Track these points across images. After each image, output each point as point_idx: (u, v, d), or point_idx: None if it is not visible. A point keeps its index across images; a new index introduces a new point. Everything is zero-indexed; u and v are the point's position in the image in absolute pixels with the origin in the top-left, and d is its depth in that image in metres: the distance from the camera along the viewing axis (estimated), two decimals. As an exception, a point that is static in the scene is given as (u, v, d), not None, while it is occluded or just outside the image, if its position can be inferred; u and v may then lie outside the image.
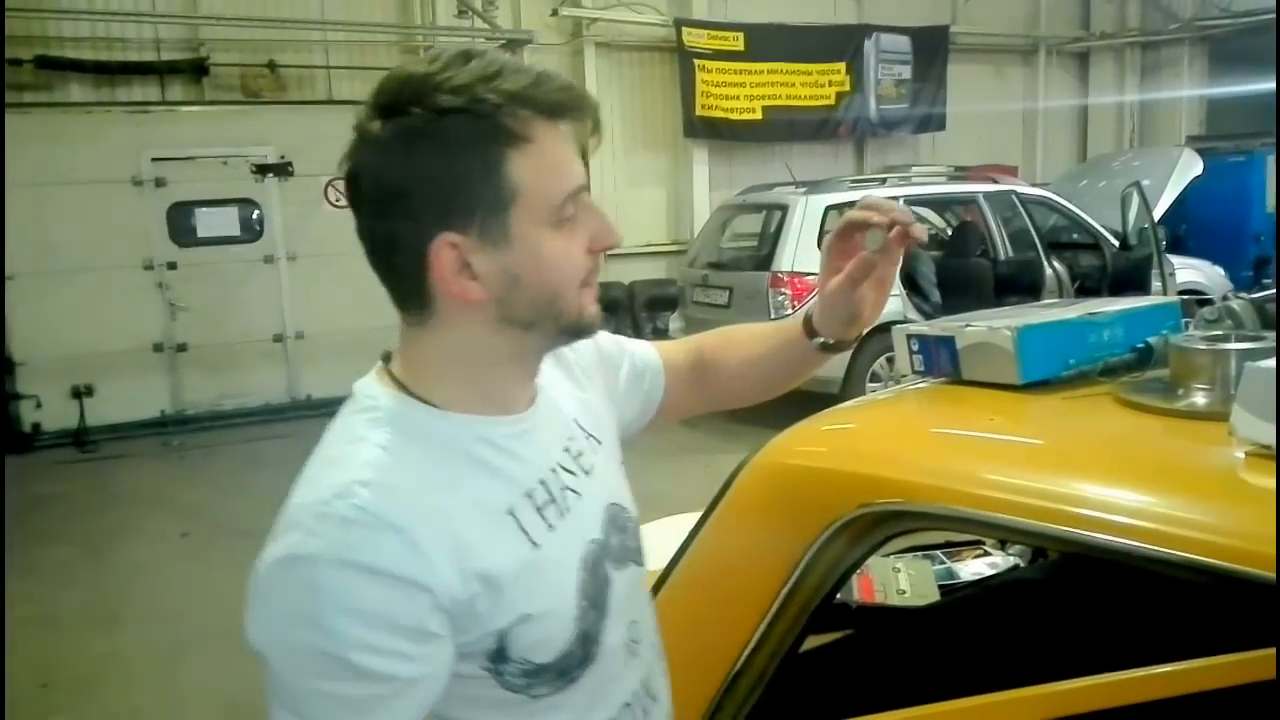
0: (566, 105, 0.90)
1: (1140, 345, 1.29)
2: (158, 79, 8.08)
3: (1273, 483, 0.99)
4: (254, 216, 8.20)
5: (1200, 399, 1.19)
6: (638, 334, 8.56)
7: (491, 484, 0.92)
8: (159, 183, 7.90)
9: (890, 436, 1.35)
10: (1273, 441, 0.99)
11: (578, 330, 0.98)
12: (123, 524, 5.60)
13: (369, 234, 0.91)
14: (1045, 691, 0.76)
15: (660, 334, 8.33)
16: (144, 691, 3.76)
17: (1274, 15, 6.73)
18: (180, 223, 8.03)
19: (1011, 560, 2.06)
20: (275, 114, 8.17)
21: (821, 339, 1.23)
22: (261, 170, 8.11)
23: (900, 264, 1.17)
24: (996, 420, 1.29)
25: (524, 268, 0.90)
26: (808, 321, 1.24)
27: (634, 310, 8.89)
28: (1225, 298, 1.34)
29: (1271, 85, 7.14)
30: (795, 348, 1.26)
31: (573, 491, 0.99)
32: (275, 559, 0.83)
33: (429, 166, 0.86)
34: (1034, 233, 7.58)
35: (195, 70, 8.11)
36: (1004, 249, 7.79)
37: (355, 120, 0.90)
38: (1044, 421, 1.27)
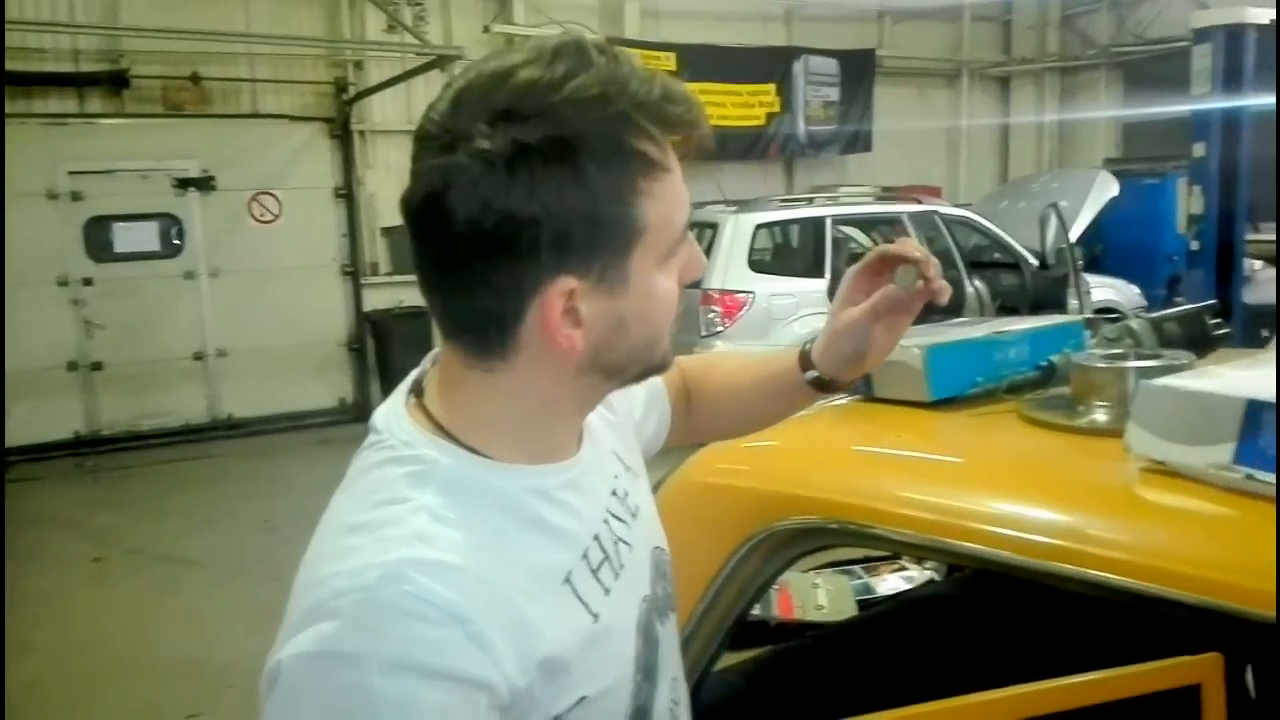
0: (694, 123, 0.77)
1: (1043, 364, 1.32)
2: (76, 91, 7.86)
3: (1169, 497, 1.02)
4: (175, 231, 7.99)
5: (1100, 416, 1.22)
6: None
7: (549, 547, 0.79)
8: (75, 196, 7.66)
9: (803, 454, 1.36)
10: (1166, 457, 1.01)
11: (662, 368, 0.86)
12: (33, 550, 5.39)
13: (451, 267, 0.75)
14: (955, 705, 0.77)
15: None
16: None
17: (1182, 45, 7.01)
18: (97, 238, 7.78)
19: (927, 575, 2.08)
20: (198, 127, 7.99)
21: (816, 374, 1.07)
22: (183, 184, 7.91)
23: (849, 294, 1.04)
24: (905, 437, 1.31)
25: (634, 312, 0.78)
26: (804, 355, 1.09)
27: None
28: (1125, 317, 1.38)
29: (1183, 109, 7.41)
30: (784, 381, 1.11)
31: (625, 543, 0.87)
32: (309, 654, 0.68)
33: (559, 195, 0.71)
34: (956, 252, 7.75)
35: (115, 82, 7.90)
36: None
37: (438, 124, 0.73)
38: (951, 439, 1.30)
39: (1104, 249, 10.01)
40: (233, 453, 7.55)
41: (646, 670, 0.85)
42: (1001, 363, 1.37)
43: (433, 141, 0.73)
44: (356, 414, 8.26)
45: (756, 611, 1.93)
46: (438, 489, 0.75)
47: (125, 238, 7.87)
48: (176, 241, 8.01)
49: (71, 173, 7.63)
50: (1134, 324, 1.32)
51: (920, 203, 8.16)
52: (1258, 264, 8.08)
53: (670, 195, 0.77)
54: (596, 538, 0.83)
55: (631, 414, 1.06)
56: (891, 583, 2.08)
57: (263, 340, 8.01)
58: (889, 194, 8.58)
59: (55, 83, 7.76)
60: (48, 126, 7.65)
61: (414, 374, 0.87)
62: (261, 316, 8.02)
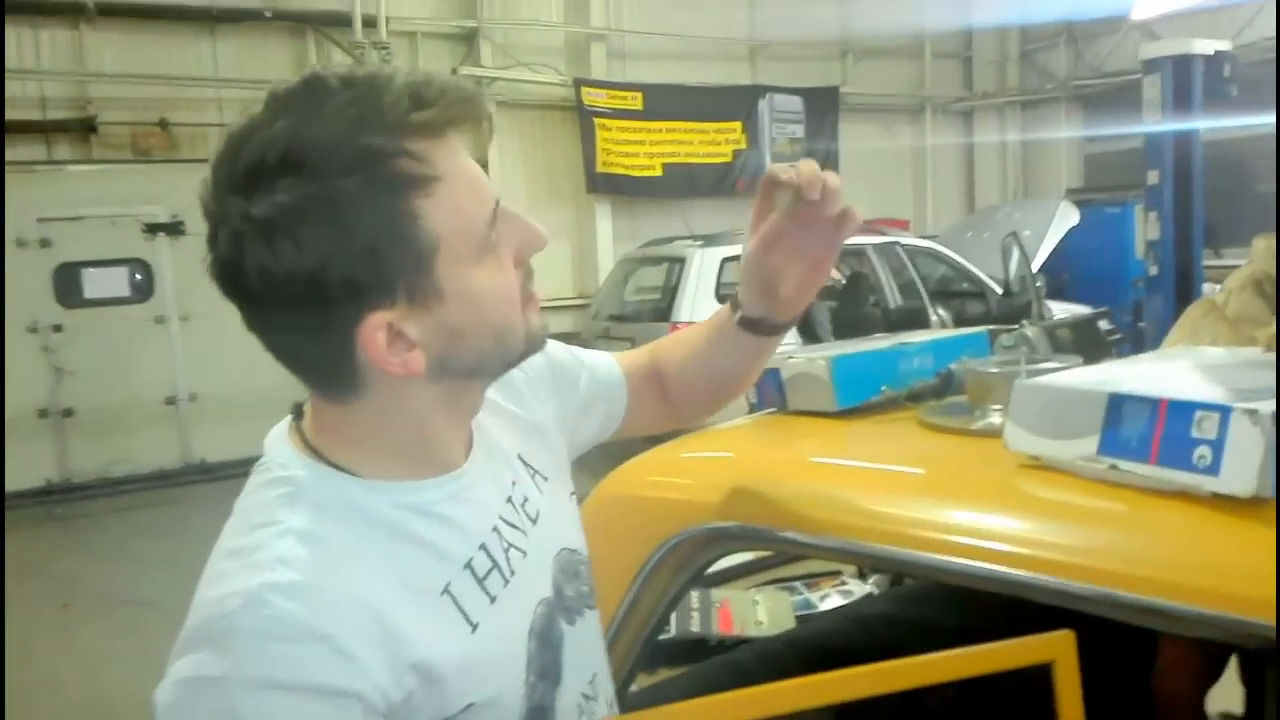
0: (461, 117, 0.78)
1: (942, 371, 1.36)
2: (43, 137, 7.90)
3: (1042, 489, 1.06)
4: (144, 277, 8.01)
5: (995, 419, 1.27)
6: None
7: (423, 561, 0.80)
8: (44, 243, 7.68)
9: (713, 464, 1.40)
10: (1039, 451, 1.06)
11: (527, 351, 0.88)
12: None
13: (267, 328, 0.78)
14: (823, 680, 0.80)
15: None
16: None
17: (1137, 77, 7.18)
18: (67, 284, 7.79)
19: (868, 589, 2.12)
20: (167, 172, 8.03)
21: (741, 313, 1.08)
22: (152, 229, 7.95)
23: (827, 270, 1.07)
24: (811, 445, 1.35)
25: (464, 317, 0.79)
26: (733, 300, 1.10)
27: (539, 364, 8.89)
28: (1021, 325, 1.43)
29: (1138, 135, 7.57)
30: (727, 331, 1.11)
31: (518, 550, 0.88)
32: (181, 679, 0.72)
33: (328, 247, 0.72)
34: (919, 282, 7.85)
35: (83, 128, 7.96)
36: (893, 298, 8.04)
37: (205, 202, 0.76)
38: (853, 445, 1.34)
39: (1070, 276, 10.16)
40: (204, 497, 7.49)
41: (542, 671, 0.87)
42: (906, 371, 1.42)
43: (207, 216, 0.76)
44: (329, 456, 8.24)
45: (696, 629, 1.96)
46: (307, 509, 0.78)
47: (95, 283, 7.88)
48: (147, 287, 8.02)
49: (40, 220, 7.65)
50: (1029, 332, 1.37)
51: (884, 234, 8.27)
52: (1217, 287, 8.23)
53: (452, 199, 0.77)
54: (483, 547, 0.85)
55: (569, 409, 1.08)
56: (832, 599, 2.11)
57: (234, 384, 7.97)
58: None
59: (23, 130, 7.81)
60: (16, 174, 7.67)
61: (299, 400, 0.89)
62: (233, 360, 7.95)
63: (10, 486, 7.33)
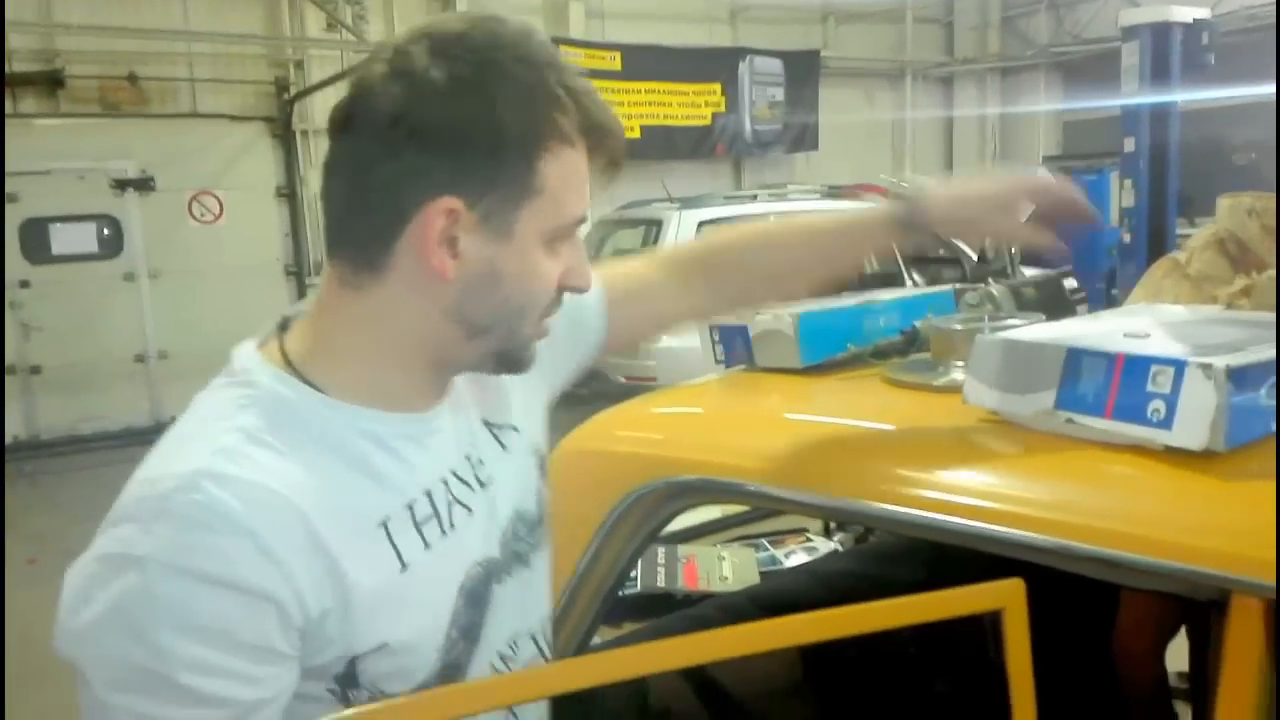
0: (608, 129, 0.84)
1: (907, 329, 1.37)
2: (9, 90, 7.73)
3: (1000, 443, 1.07)
4: (113, 233, 7.89)
5: (958, 375, 1.27)
6: (520, 350, 8.51)
7: (367, 488, 0.81)
8: (11, 198, 7.54)
9: (678, 420, 1.40)
10: (997, 406, 1.06)
11: (514, 361, 0.89)
12: (-34, 554, 5.31)
13: (354, 166, 0.80)
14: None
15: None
16: (-10, 723, 3.57)
17: (1117, 44, 7.17)
18: (34, 239, 7.67)
19: (833, 546, 2.13)
20: (136, 127, 7.91)
21: (923, 213, 1.09)
22: (121, 185, 7.83)
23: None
24: (776, 401, 1.35)
25: (509, 268, 0.81)
26: (904, 203, 1.11)
27: (516, 323, 8.86)
28: (987, 283, 1.43)
29: (1115, 104, 7.57)
30: (861, 229, 1.14)
31: (463, 506, 0.88)
32: (102, 554, 0.73)
33: (470, 122, 0.76)
34: (895, 248, 7.86)
35: (50, 81, 7.80)
36: (869, 263, 8.02)
37: (391, 45, 0.79)
38: (818, 401, 1.34)
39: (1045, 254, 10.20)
40: (175, 455, 7.47)
41: (466, 630, 0.87)
42: (872, 329, 1.42)
43: (378, 56, 0.79)
44: (302, 415, 8.21)
45: (661, 584, 1.97)
46: (261, 414, 0.78)
47: (63, 239, 7.77)
48: (116, 243, 7.91)
49: (7, 174, 7.51)
50: (994, 290, 1.38)
51: (862, 199, 8.26)
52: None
53: (570, 173, 0.82)
54: (428, 493, 0.85)
55: (545, 361, 1.01)
56: (797, 556, 2.12)
57: (206, 342, 7.84)
58: (835, 192, 8.68)
59: (-12, 82, 7.64)
60: (-19, 127, 7.53)
61: (286, 312, 0.89)
62: (204, 318, 7.94)
63: (-23, 444, 7.27)
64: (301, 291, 8.38)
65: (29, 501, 6.57)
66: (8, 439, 7.55)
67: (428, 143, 0.77)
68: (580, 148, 0.83)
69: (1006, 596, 0.85)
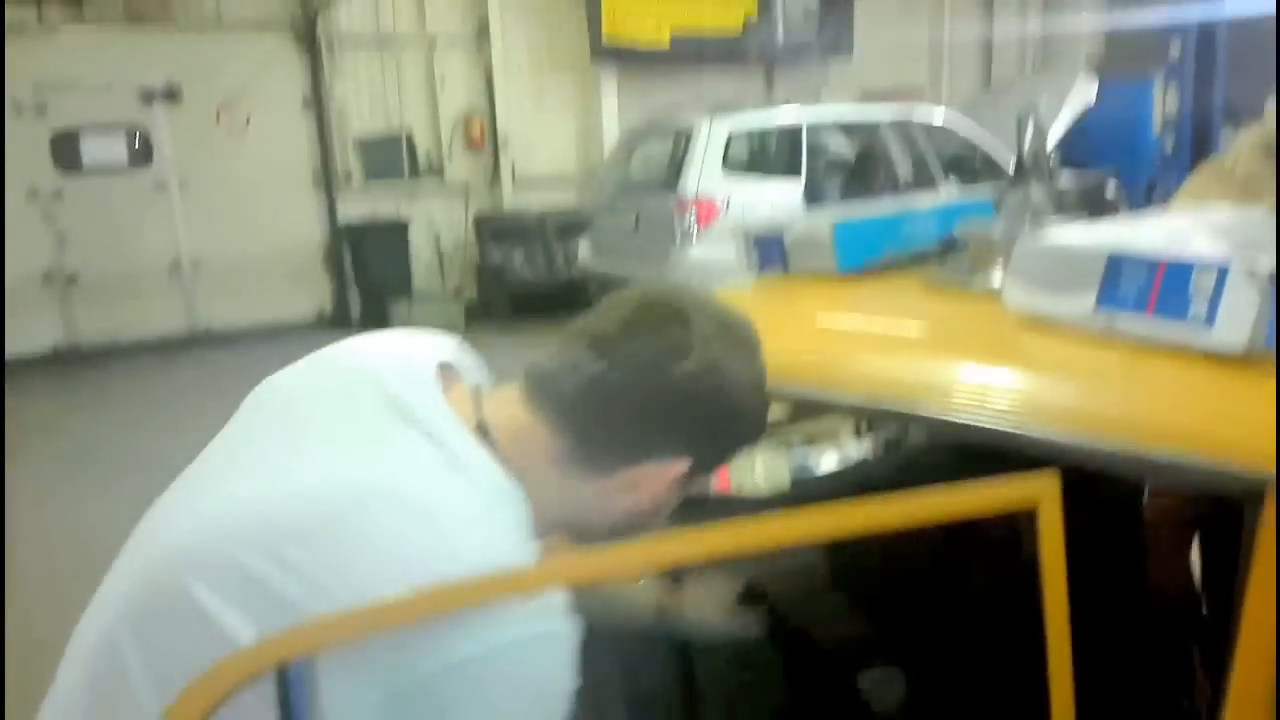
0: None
1: (946, 235, 1.36)
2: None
3: (1038, 345, 1.07)
4: (142, 144, 7.90)
5: (995, 279, 1.27)
6: (548, 262, 8.51)
7: None
8: (40, 109, 7.55)
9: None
10: (1037, 308, 1.06)
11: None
12: (14, 456, 5.46)
13: (629, 393, 0.90)
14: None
15: (571, 261, 8.30)
16: (42, 623, 3.71)
17: None
18: (65, 150, 7.69)
19: (864, 451, 2.16)
20: (162, 38, 7.83)
21: None
22: (148, 96, 7.80)
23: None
24: (810, 305, 1.35)
25: (658, 514, 0.97)
26: None
27: (544, 238, 8.83)
28: (1029, 186, 1.41)
29: (1162, 13, 7.34)
30: None
31: None
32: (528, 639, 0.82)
33: (741, 423, 0.95)
34: (933, 159, 7.72)
35: (75, -10, 7.72)
36: (904, 175, 7.92)
37: (701, 326, 0.91)
38: (854, 304, 1.35)
39: (1085, 154, 9.98)
40: (211, 364, 7.59)
41: None
42: (910, 235, 1.42)
43: (691, 322, 0.92)
44: (335, 325, 8.29)
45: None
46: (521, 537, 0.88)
47: (93, 150, 7.79)
48: (145, 154, 7.92)
49: (35, 84, 7.50)
50: (1034, 193, 1.36)
51: (898, 108, 8.08)
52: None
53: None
54: None
55: None
56: (829, 458, 2.15)
57: (237, 252, 7.99)
58: (872, 96, 8.48)
59: (12, -10, 7.57)
60: (8, 37, 7.49)
61: (433, 360, 0.96)
62: (235, 228, 7.98)
63: (19, 351, 7.42)
64: (331, 203, 8.37)
65: (73, 408, 6.72)
66: (48, 347, 7.71)
67: (705, 417, 0.92)
68: None
69: (1042, 490, 0.86)
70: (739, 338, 0.95)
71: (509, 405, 0.94)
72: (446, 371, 0.97)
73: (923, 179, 7.78)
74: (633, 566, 0.83)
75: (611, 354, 0.90)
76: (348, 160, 8.56)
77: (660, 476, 0.92)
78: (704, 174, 6.96)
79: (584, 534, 0.98)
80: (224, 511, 0.87)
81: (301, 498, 0.85)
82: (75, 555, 4.14)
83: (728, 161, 7.15)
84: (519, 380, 0.96)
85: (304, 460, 0.89)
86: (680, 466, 0.92)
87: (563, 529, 0.98)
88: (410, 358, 0.96)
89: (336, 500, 0.84)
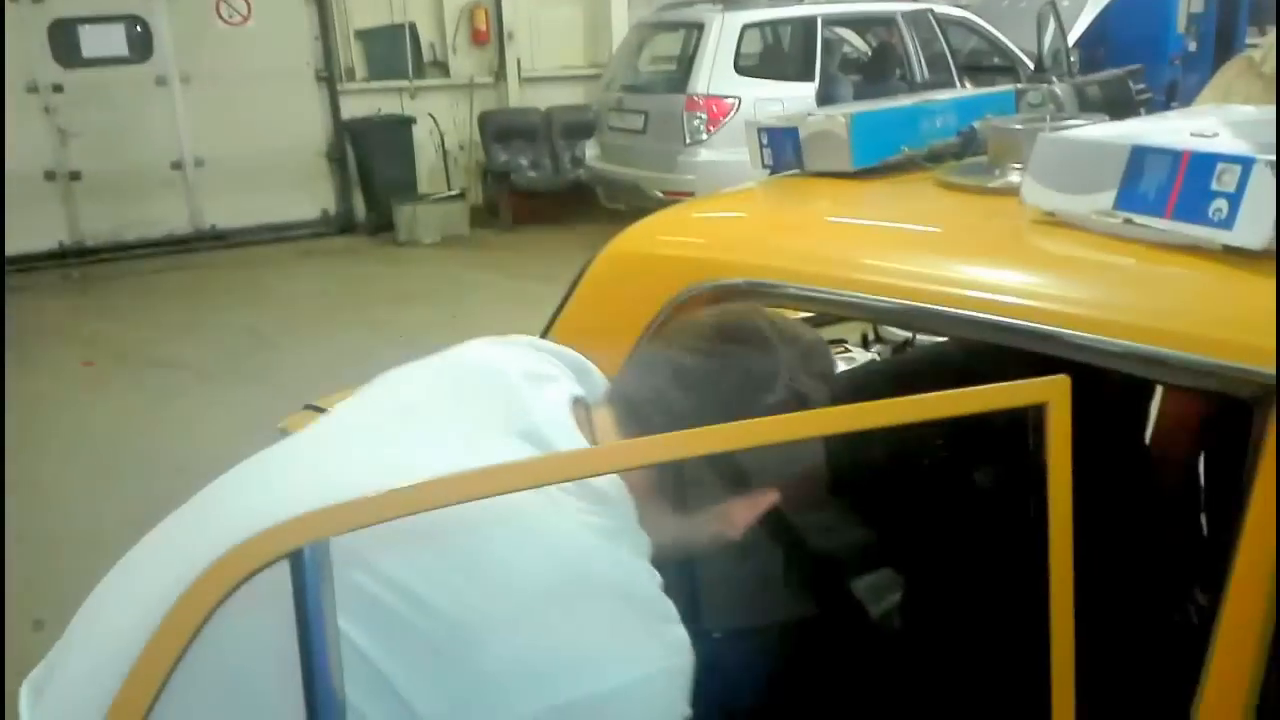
0: None
1: (964, 130, 1.33)
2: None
3: (1054, 244, 1.06)
4: (142, 35, 7.72)
5: (1015, 177, 1.24)
6: (555, 163, 8.39)
7: None
8: (35, -2, 7.38)
9: (727, 223, 1.39)
10: (1055, 206, 1.05)
11: None
12: (22, 356, 5.49)
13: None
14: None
15: (577, 163, 8.19)
16: (60, 517, 3.78)
17: None
18: (63, 42, 7.52)
19: (870, 356, 2.15)
20: (159, -77, 7.59)
21: None
22: (146, -16, 7.60)
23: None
24: (825, 205, 1.33)
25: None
26: None
27: (550, 138, 8.69)
28: (1050, 83, 1.38)
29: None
30: None
31: None
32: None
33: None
34: (948, 55, 7.53)
35: None
36: (921, 72, 7.73)
37: (793, 349, 0.92)
38: (868, 204, 1.33)
39: (1106, 51, 9.72)
40: (217, 263, 7.57)
41: None
42: (928, 131, 1.38)
43: (783, 336, 0.93)
44: (339, 226, 8.23)
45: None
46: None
47: (92, 42, 7.61)
48: (145, 46, 7.74)
49: (31, -33, 7.31)
50: (1058, 89, 1.33)
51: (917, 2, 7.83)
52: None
53: None
54: None
55: None
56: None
57: (241, 149, 7.86)
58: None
59: None
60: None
61: (567, 388, 0.95)
62: (238, 124, 7.84)
63: (24, 248, 7.38)
64: (334, 99, 8.21)
65: (80, 307, 6.74)
66: (53, 244, 7.68)
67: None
68: None
69: (1052, 391, 0.86)
70: (820, 365, 0.95)
71: (610, 433, 0.93)
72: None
73: (940, 79, 7.59)
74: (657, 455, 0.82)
75: (698, 388, 0.90)
76: (350, 55, 8.38)
77: (752, 511, 0.93)
78: (715, 71, 6.80)
79: (665, 557, 0.95)
80: (326, 493, 0.84)
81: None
82: (93, 455, 4.22)
83: (740, 61, 6.97)
84: (609, 402, 0.96)
85: (419, 458, 0.85)
86: (771, 498, 0.93)
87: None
88: (544, 379, 0.95)
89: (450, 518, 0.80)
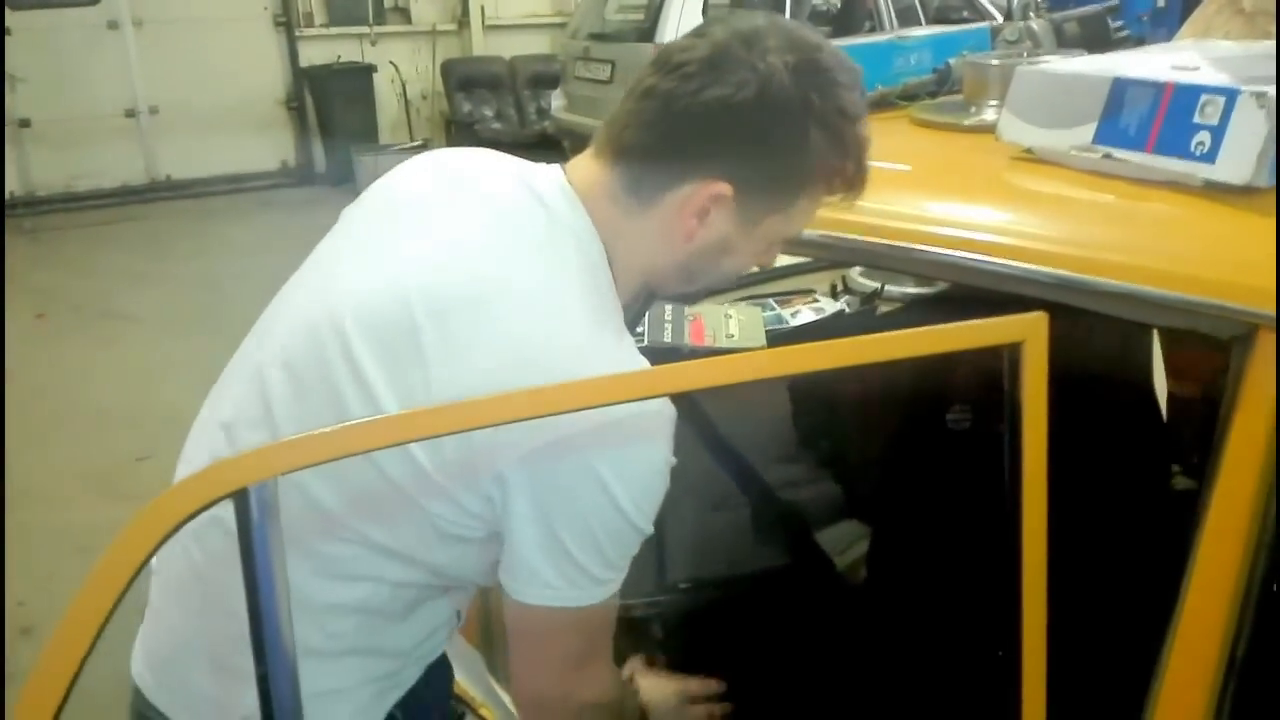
0: (863, 186, 0.92)
1: (939, 67, 1.29)
2: None
3: (1032, 181, 1.03)
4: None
5: (990, 115, 1.21)
6: (520, 114, 8.26)
7: None
8: (-22, -66, 7.09)
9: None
10: (1032, 142, 1.02)
11: (688, 299, 1.08)
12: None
13: (673, 115, 0.86)
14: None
15: (543, 114, 8.05)
16: (17, 470, 3.70)
17: None
18: (7, -19, 7.27)
19: (839, 306, 2.14)
20: None
21: None
22: (95, -79, 7.33)
23: None
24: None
25: (739, 248, 0.93)
26: None
27: (515, 89, 8.54)
28: (1027, 18, 1.34)
29: None
30: None
31: None
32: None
33: (783, 143, 0.87)
34: (919, 7, 7.46)
35: None
36: (890, 25, 7.66)
37: (758, 42, 0.85)
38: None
39: (1076, 5, 9.72)
40: (173, 214, 7.40)
41: None
42: (902, 68, 1.35)
43: (749, 41, 0.86)
44: (299, 177, 8.06)
45: (668, 339, 1.98)
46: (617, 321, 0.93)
47: (37, -20, 7.35)
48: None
49: (-30, -93, 7.02)
50: (1034, 25, 1.29)
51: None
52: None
53: (816, 207, 0.92)
54: None
55: None
56: (804, 315, 2.13)
57: (196, 96, 7.64)
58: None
59: None
60: None
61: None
62: (192, 71, 7.62)
63: (-27, 198, 7.18)
64: (292, 45, 8.00)
65: (32, 258, 6.56)
66: (4, 194, 7.47)
67: (743, 138, 0.86)
68: (836, 194, 0.92)
69: (1028, 329, 0.83)
70: (810, 60, 0.86)
71: (585, 161, 0.95)
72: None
73: (907, 26, 7.52)
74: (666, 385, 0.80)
75: (662, 73, 0.87)
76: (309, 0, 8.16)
77: (701, 194, 0.88)
78: (684, 20, 6.68)
79: (661, 284, 0.98)
80: (383, 278, 0.90)
81: (447, 280, 0.88)
82: (47, 409, 4.12)
83: (708, 8, 6.86)
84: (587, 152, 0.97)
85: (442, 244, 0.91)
86: (720, 187, 0.87)
87: (643, 289, 0.99)
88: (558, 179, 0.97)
89: (471, 286, 0.87)
